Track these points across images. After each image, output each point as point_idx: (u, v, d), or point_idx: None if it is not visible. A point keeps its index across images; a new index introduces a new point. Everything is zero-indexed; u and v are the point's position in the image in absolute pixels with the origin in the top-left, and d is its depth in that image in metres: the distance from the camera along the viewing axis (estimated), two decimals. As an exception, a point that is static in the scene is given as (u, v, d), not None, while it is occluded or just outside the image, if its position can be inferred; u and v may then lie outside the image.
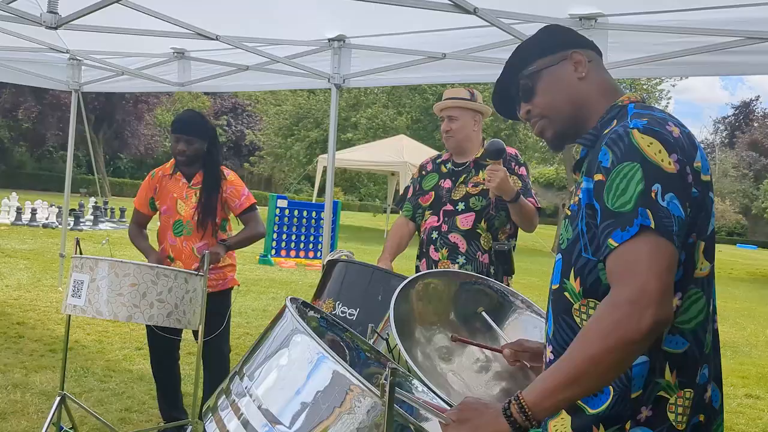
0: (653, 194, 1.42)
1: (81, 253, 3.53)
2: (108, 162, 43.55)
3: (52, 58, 7.15)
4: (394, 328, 2.07)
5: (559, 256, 1.65)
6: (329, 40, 5.38)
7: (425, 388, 1.99)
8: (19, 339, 6.06)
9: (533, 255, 20.15)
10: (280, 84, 6.65)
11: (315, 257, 14.35)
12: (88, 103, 34.33)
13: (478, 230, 3.51)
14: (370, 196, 40.10)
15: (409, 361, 1.99)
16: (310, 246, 14.84)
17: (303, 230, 14.83)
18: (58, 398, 3.68)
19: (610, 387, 1.50)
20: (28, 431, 4.03)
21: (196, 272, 3.58)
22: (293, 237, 14.72)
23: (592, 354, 1.36)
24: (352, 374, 1.39)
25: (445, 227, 3.56)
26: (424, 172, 3.81)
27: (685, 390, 1.53)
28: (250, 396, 1.49)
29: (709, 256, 1.56)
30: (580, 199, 1.58)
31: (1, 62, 7.10)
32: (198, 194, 4.03)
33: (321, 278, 3.32)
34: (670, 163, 1.46)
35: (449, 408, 1.53)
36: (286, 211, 14.61)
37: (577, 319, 1.57)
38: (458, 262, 3.50)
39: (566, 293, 1.60)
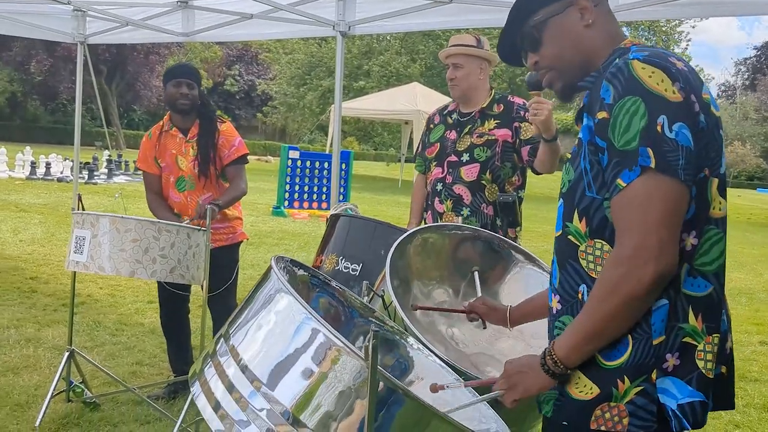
0: (659, 127, 1.41)
1: (83, 209, 3.51)
2: (122, 114, 43.42)
3: (57, 9, 7.03)
4: (390, 284, 2.02)
5: (561, 201, 1.63)
6: (333, -15, 5.25)
7: (421, 345, 1.95)
8: (32, 294, 6.12)
9: (549, 202, 19.99)
10: (285, 32, 6.52)
11: (328, 208, 14.33)
12: (98, 55, 33.98)
13: (483, 181, 3.42)
14: (384, 144, 39.74)
15: (405, 319, 1.95)
16: (323, 197, 14.81)
17: (315, 181, 14.79)
18: (66, 353, 3.71)
19: (629, 337, 1.47)
20: (40, 385, 4.07)
21: (199, 227, 3.55)
22: (305, 188, 14.69)
23: (606, 312, 1.44)
24: (336, 336, 1.35)
25: (449, 179, 3.48)
26: (432, 125, 3.71)
27: (714, 335, 1.49)
28: (235, 359, 1.46)
29: (724, 195, 1.54)
30: (580, 138, 1.57)
31: (6, 15, 7.00)
32: (194, 147, 4.00)
33: (324, 233, 3.28)
34: (674, 92, 1.44)
35: (494, 381, 1.66)
36: (299, 162, 14.56)
37: (583, 263, 1.54)
38: (462, 214, 3.43)
39: (570, 237, 1.57)
